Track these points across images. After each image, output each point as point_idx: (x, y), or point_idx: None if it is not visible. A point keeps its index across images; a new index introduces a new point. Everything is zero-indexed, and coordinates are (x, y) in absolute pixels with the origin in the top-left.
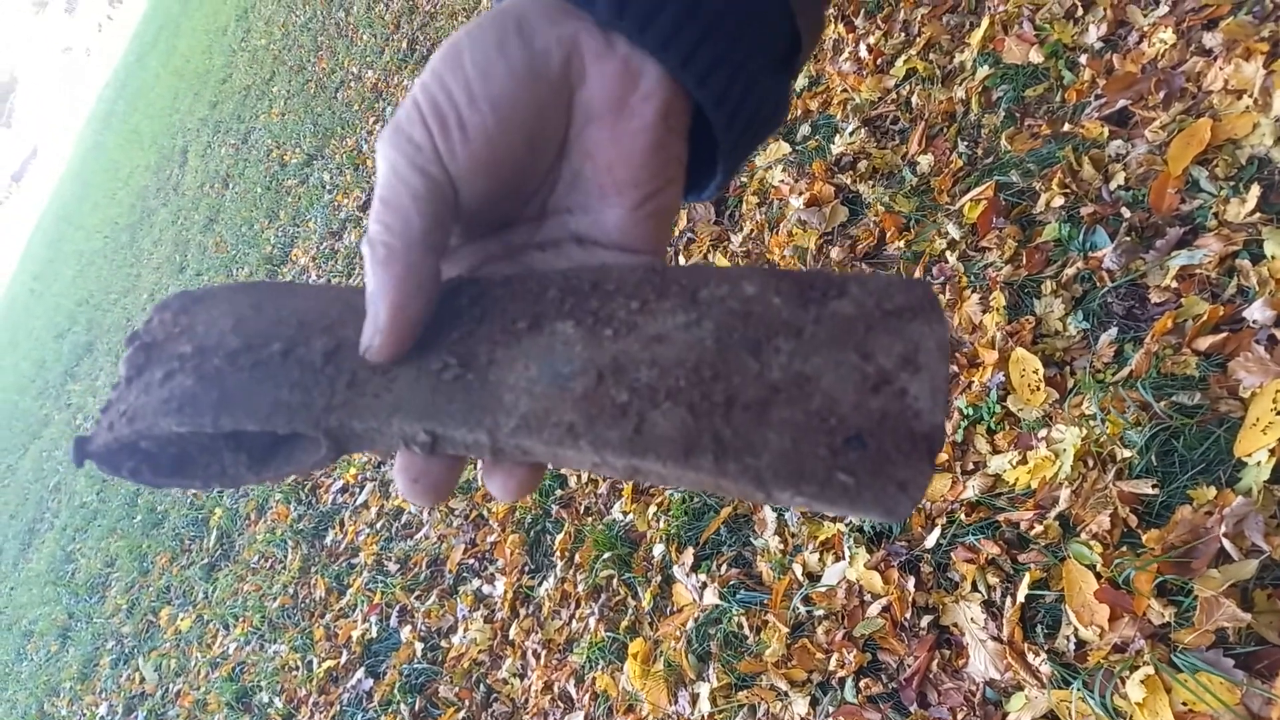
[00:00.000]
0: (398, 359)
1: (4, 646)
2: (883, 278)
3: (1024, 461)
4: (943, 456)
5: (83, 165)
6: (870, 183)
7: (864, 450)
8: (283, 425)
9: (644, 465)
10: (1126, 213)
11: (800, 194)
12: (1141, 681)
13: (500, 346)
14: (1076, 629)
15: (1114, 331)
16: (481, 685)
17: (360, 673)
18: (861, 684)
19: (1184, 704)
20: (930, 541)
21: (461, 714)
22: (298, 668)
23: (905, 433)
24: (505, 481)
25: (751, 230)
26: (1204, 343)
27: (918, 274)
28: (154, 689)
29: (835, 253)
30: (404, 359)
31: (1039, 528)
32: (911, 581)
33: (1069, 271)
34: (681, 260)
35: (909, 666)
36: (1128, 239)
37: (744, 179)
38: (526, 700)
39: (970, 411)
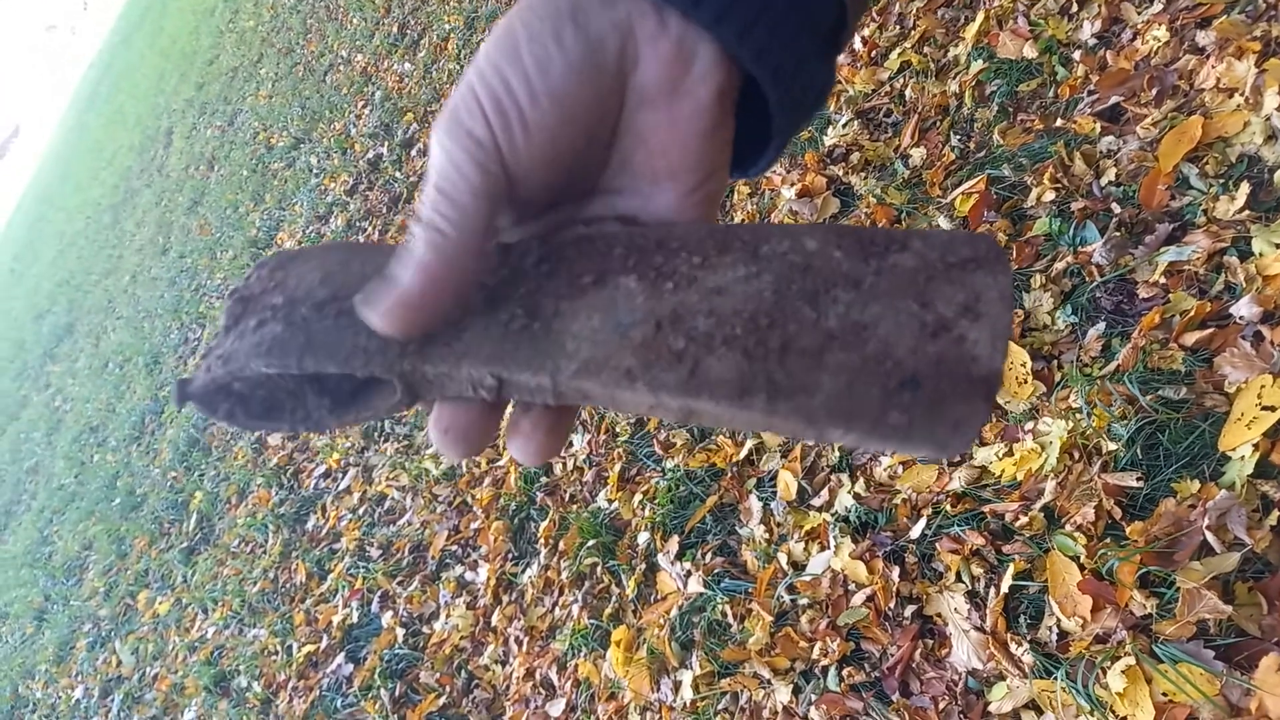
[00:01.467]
0: (408, 337)
1: None
2: (946, 233)
3: (1010, 453)
4: None
5: (65, 145)
6: (862, 175)
7: (918, 392)
8: (360, 368)
9: (698, 405)
10: (1117, 208)
11: (792, 185)
12: (1123, 672)
13: (565, 300)
14: (1059, 620)
15: (1102, 326)
16: (463, 671)
17: (340, 658)
18: (844, 672)
19: (1164, 694)
20: (915, 532)
21: (442, 700)
22: (277, 652)
23: (962, 376)
24: (525, 445)
25: (743, 220)
26: (1191, 338)
27: None
28: (131, 672)
29: None
30: (474, 309)
31: (1024, 519)
32: (896, 571)
33: (1058, 266)
34: None
35: (892, 655)
36: (1117, 234)
37: None
38: (508, 687)
39: None
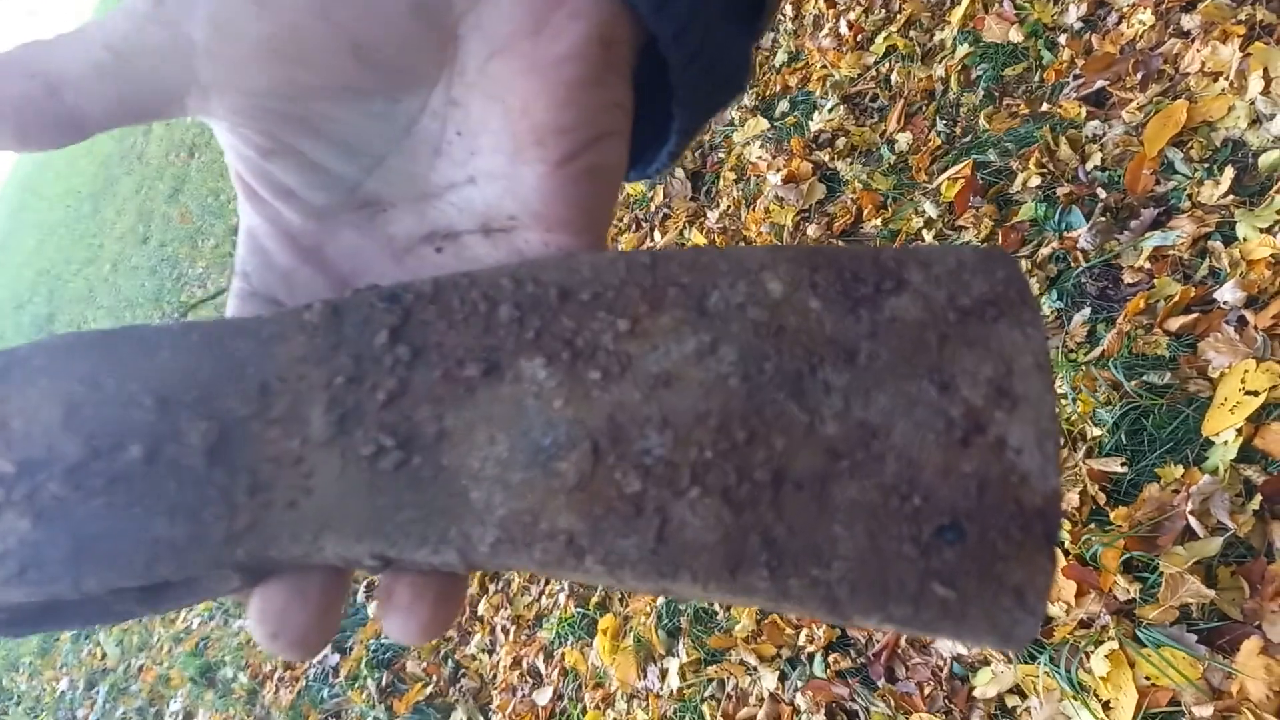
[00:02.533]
0: None
1: None
2: (950, 253)
3: None
4: None
5: None
6: (848, 160)
7: (963, 544)
8: (173, 572)
9: (675, 587)
10: (1102, 193)
11: (778, 170)
12: (1106, 656)
13: (449, 408)
14: None
15: (1087, 311)
16: (449, 660)
17: (327, 648)
18: (830, 659)
19: (1147, 678)
20: None
21: (429, 689)
22: None
23: (1012, 510)
24: (405, 623)
25: (728, 206)
26: (1175, 323)
27: None
28: (115, 664)
29: (812, 230)
30: (317, 437)
31: None
32: None
33: (1044, 251)
34: (657, 239)
35: (878, 642)
36: (1103, 219)
37: (722, 155)
38: (495, 675)
39: None
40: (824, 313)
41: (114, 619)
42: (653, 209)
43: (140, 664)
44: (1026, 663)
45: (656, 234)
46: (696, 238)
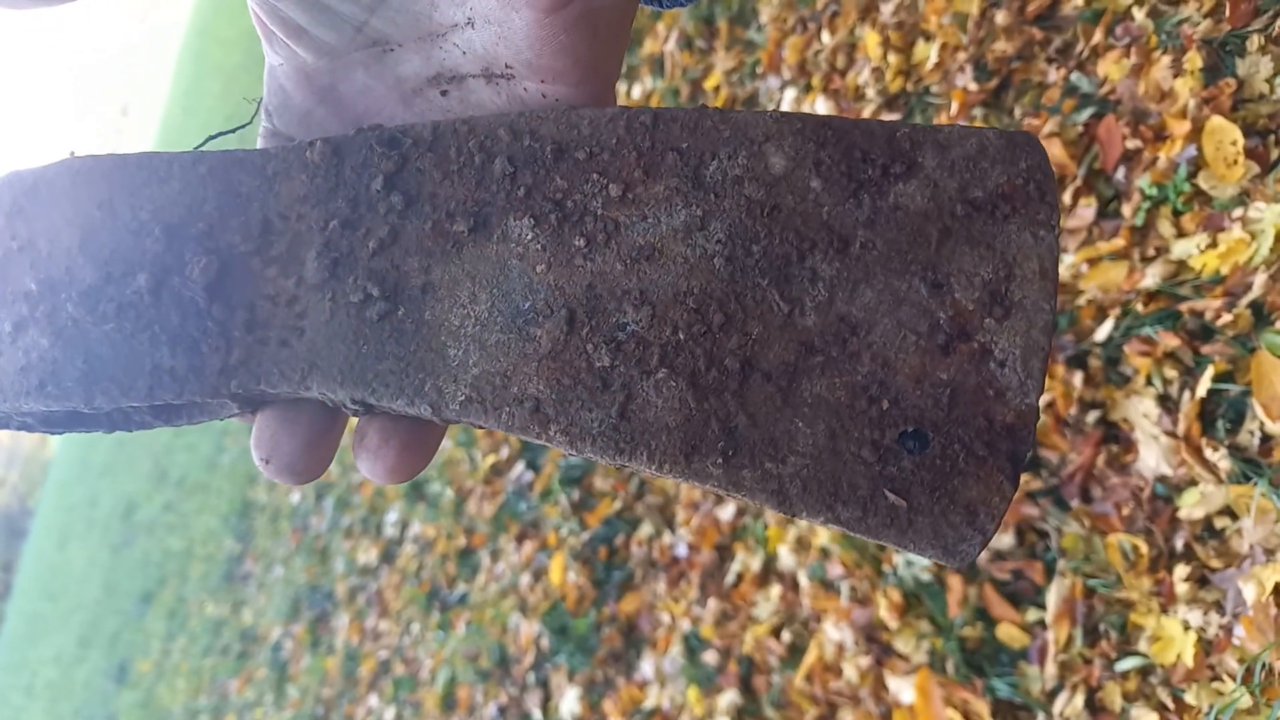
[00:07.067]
0: None
1: (206, 444)
2: (972, 137)
3: (1214, 244)
4: (1119, 243)
5: None
6: None
7: (923, 454)
8: (172, 395)
9: (632, 464)
10: None
11: None
12: None
13: (436, 260)
14: (1263, 423)
15: None
16: (635, 478)
17: (520, 466)
18: (1020, 480)
19: None
20: (1101, 334)
21: (618, 504)
22: (464, 461)
23: (981, 425)
24: (373, 463)
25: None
26: None
27: (1098, 36)
28: (338, 479)
29: (1001, 17)
30: (311, 279)
31: (1227, 317)
32: (1079, 376)
33: None
34: (825, 40)
35: (1072, 462)
36: None
37: None
38: (678, 493)
39: (1154, 192)
40: (824, 194)
41: (135, 427)
42: (820, 6)
43: (359, 479)
44: (1241, 483)
45: (825, 34)
46: (870, 36)
